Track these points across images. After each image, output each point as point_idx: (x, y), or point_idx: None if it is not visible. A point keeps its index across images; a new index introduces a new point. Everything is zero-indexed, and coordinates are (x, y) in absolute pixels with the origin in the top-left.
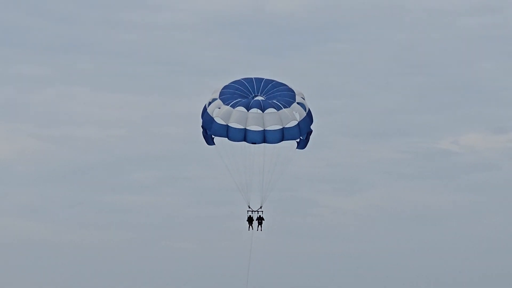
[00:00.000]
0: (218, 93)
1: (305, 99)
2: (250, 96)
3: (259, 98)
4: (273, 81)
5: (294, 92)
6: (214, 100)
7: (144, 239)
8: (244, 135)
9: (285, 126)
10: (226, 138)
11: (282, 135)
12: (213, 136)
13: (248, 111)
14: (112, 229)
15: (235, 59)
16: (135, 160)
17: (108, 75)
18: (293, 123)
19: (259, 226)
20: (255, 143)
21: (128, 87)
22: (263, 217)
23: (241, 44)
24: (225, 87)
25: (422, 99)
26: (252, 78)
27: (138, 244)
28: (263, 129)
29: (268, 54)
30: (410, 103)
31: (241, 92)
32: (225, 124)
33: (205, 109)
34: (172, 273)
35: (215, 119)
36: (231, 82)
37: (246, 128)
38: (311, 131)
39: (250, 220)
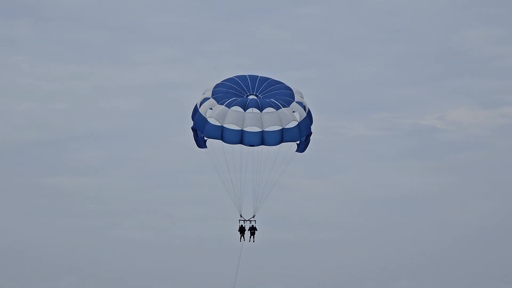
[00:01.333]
0: (211, 92)
1: (303, 97)
2: (244, 94)
3: (254, 97)
4: (268, 78)
5: (292, 91)
6: (206, 99)
7: (90, 227)
8: (240, 137)
9: (285, 127)
10: (220, 141)
11: (282, 136)
12: (205, 138)
13: (245, 111)
14: (54, 215)
15: (194, 25)
16: (80, 138)
17: (50, 43)
18: (293, 124)
19: (252, 236)
20: (252, 146)
21: (72, 56)
22: (256, 227)
23: (200, 7)
24: (217, 86)
25: (402, 70)
26: (246, 75)
27: (83, 232)
28: (261, 130)
29: (230, 18)
30: (390, 74)
31: (235, 91)
32: (220, 125)
33: (196, 110)
34: (121, 266)
35: (209, 119)
36: (223, 80)
37: (243, 129)
38: (311, 132)
39: (241, 230)
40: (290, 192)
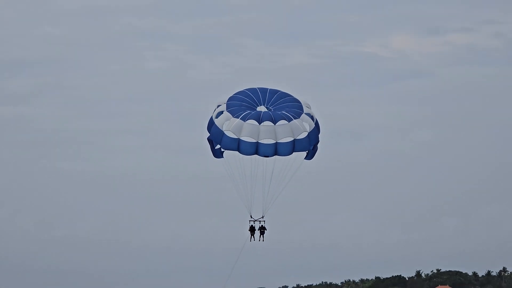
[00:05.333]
0: (225, 105)
1: (310, 108)
2: (256, 106)
3: (265, 109)
4: (278, 91)
5: (300, 103)
6: (221, 112)
7: (19, 157)
8: (256, 149)
9: (296, 138)
10: (236, 151)
11: (293, 146)
12: (222, 150)
13: (259, 124)
14: None
15: None
16: (7, 65)
17: None
18: (304, 135)
19: (261, 236)
20: (267, 156)
21: None
22: (265, 226)
23: None
24: (230, 99)
25: None
26: (256, 88)
27: (12, 163)
28: (275, 141)
29: None
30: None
31: (247, 104)
32: (237, 137)
33: (212, 122)
34: (51, 196)
35: (226, 132)
36: (235, 93)
37: (258, 141)
38: (318, 141)
39: (252, 230)
40: None
